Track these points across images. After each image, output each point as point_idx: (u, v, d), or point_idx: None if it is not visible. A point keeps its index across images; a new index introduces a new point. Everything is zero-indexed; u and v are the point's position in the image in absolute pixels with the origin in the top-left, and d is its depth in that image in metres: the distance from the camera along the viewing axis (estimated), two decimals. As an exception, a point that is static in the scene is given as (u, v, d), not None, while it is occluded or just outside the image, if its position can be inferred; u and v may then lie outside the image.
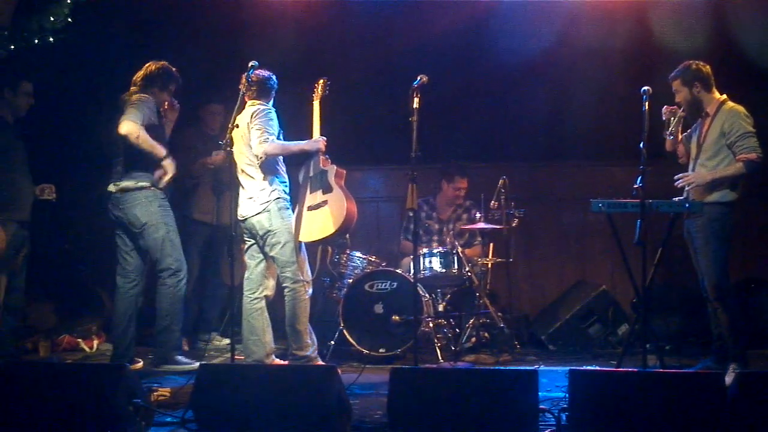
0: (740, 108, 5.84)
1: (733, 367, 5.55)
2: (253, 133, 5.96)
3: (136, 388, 4.68)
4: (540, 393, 4.46)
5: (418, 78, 5.64)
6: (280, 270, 6.10)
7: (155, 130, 6.05)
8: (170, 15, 7.73)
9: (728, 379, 4.58)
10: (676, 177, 5.80)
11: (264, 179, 6.06)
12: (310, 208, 6.08)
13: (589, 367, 6.15)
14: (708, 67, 5.89)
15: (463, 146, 7.98)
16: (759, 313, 6.96)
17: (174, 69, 6.28)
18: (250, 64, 5.77)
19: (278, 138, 5.99)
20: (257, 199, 6.06)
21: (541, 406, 4.55)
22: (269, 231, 6.05)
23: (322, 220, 6.05)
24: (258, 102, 6.05)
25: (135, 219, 6.08)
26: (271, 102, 6.13)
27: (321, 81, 6.32)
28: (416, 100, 5.55)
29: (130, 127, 5.84)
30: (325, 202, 6.07)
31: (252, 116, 5.97)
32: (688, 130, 6.04)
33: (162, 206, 6.14)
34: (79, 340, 7.30)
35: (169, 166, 6.07)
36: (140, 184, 6.08)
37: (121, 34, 7.81)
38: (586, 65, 7.69)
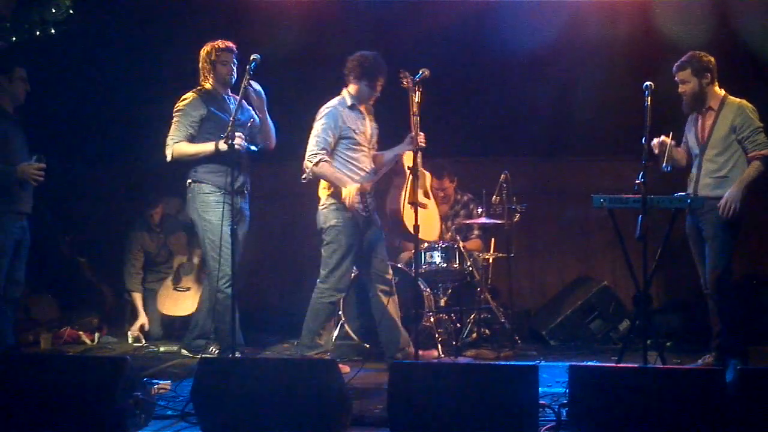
0: (747, 103, 5.82)
1: (734, 364, 5.54)
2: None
3: (136, 382, 4.68)
4: (540, 388, 4.45)
5: (420, 72, 5.63)
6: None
7: None
8: (172, 7, 7.72)
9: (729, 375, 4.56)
10: (720, 209, 5.66)
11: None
12: (412, 204, 5.79)
13: (589, 363, 6.15)
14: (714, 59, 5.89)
15: (465, 141, 7.98)
16: (762, 311, 6.95)
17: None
18: (252, 57, 5.75)
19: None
20: (321, 197, 6.11)
21: (541, 402, 4.55)
22: (321, 228, 6.07)
23: (428, 222, 6.17)
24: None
25: None
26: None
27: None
28: (417, 94, 5.54)
29: None
30: (425, 206, 6.15)
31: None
32: (684, 136, 6.03)
33: None
34: (81, 332, 7.32)
35: None
36: None
37: (123, 26, 7.81)
38: (589, 60, 7.67)
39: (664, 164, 5.72)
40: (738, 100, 5.83)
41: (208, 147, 6.04)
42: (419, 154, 5.81)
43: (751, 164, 5.71)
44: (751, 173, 5.69)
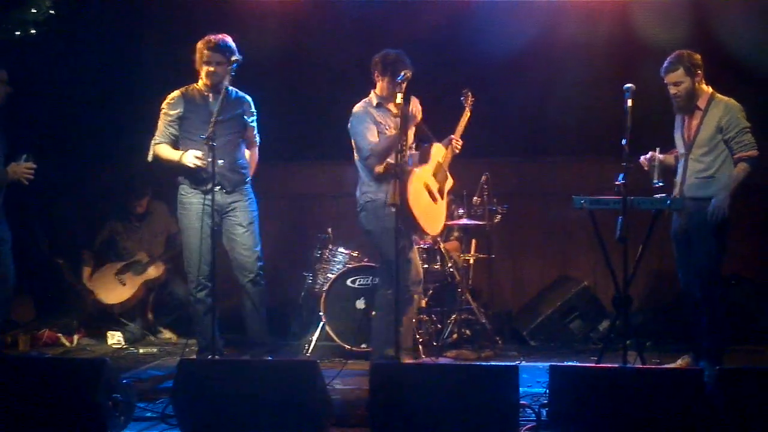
0: (734, 102, 5.77)
1: (704, 366, 5.52)
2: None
3: (116, 383, 4.66)
4: (521, 388, 4.46)
5: (402, 73, 5.63)
6: None
7: None
8: (155, 7, 7.70)
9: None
10: (708, 216, 5.66)
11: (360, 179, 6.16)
12: (430, 193, 6.08)
13: (569, 363, 6.17)
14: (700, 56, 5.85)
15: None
16: (739, 310, 6.98)
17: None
18: (233, 58, 5.74)
19: None
20: (358, 198, 6.16)
21: (521, 402, 4.57)
22: (367, 231, 6.09)
23: (435, 216, 6.17)
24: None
25: None
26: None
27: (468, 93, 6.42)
28: (400, 95, 5.53)
29: None
30: (435, 200, 6.15)
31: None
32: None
33: None
34: (60, 334, 7.28)
35: None
36: None
37: (106, 27, 7.78)
38: (571, 61, 7.68)
39: (654, 179, 5.71)
40: (725, 98, 5.78)
41: (174, 156, 5.93)
42: (410, 153, 5.97)
43: (737, 166, 5.66)
44: (738, 176, 5.64)
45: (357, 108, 6.05)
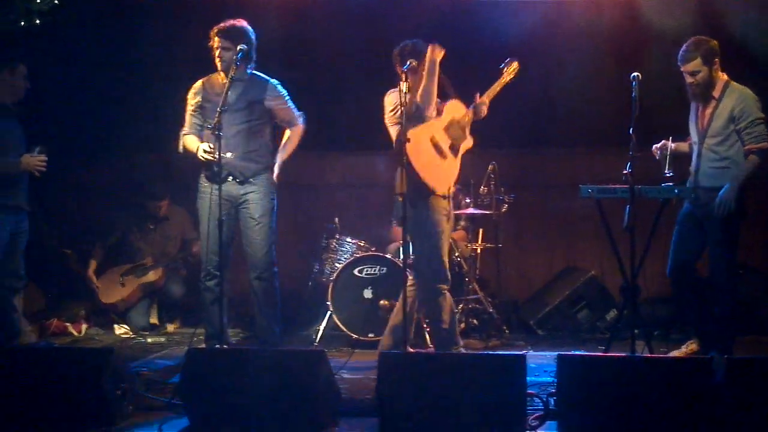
0: (749, 91, 5.66)
1: (714, 355, 5.51)
2: None
3: (124, 372, 4.68)
4: (528, 378, 4.46)
5: (408, 62, 5.61)
6: None
7: None
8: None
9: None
10: (715, 209, 5.59)
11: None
12: (437, 147, 5.81)
13: (577, 353, 6.16)
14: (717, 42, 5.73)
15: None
16: (747, 299, 6.97)
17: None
18: (239, 47, 5.72)
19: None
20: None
21: (529, 391, 4.57)
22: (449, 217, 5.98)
23: (443, 172, 5.86)
24: None
25: None
26: None
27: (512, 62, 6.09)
28: (405, 84, 5.50)
29: None
30: (444, 157, 5.85)
31: None
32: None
33: None
34: (68, 324, 7.29)
35: None
36: None
37: (109, 18, 7.77)
38: (575, 50, 7.67)
39: (666, 170, 5.65)
40: (740, 87, 5.68)
41: (192, 148, 5.89)
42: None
43: (747, 158, 5.56)
44: (748, 168, 5.56)
45: (387, 97, 5.93)
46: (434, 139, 5.79)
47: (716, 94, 5.69)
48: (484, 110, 5.90)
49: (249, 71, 5.91)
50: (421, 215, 5.67)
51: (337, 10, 7.84)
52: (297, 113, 6.11)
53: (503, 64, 6.05)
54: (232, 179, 5.89)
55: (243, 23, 5.90)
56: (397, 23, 7.51)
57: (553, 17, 7.58)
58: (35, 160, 5.95)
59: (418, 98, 5.69)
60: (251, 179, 5.94)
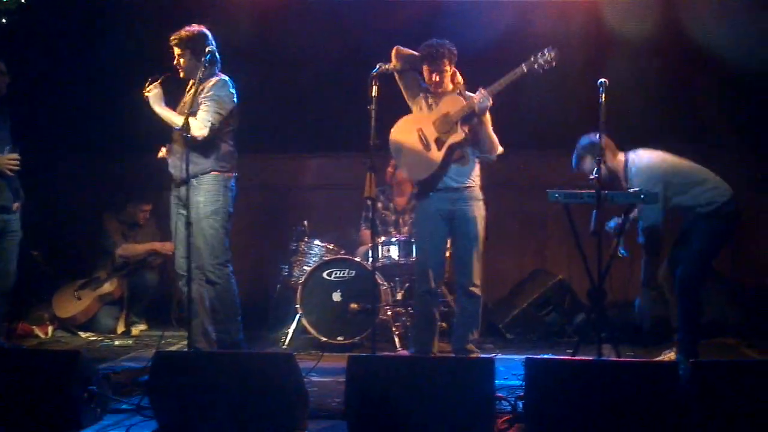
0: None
1: (680, 361, 5.58)
2: None
3: (91, 375, 4.64)
4: (497, 381, 4.50)
5: (377, 66, 5.62)
6: None
7: None
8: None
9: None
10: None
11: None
12: (422, 139, 5.87)
13: (545, 356, 6.20)
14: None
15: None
16: (711, 304, 7.03)
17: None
18: (207, 49, 5.70)
19: None
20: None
21: (497, 394, 4.59)
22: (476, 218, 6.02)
23: (417, 160, 5.91)
24: None
25: None
26: None
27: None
28: (375, 88, 5.52)
29: None
30: (428, 149, 5.87)
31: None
32: None
33: None
34: (34, 327, 7.23)
35: None
36: None
37: (78, 17, 7.72)
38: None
39: (620, 251, 5.91)
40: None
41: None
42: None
43: None
44: None
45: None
46: (421, 130, 5.85)
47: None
48: (484, 103, 5.78)
49: (216, 73, 5.87)
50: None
51: (309, 12, 7.83)
52: (206, 119, 5.71)
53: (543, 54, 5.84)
54: (179, 181, 5.85)
55: (190, 29, 5.84)
56: (368, 26, 7.53)
57: (520, 24, 7.62)
58: (4, 160, 5.98)
59: (483, 148, 5.93)
60: (192, 182, 5.72)
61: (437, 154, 5.83)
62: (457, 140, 5.82)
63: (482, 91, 5.75)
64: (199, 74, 5.65)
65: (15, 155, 6.02)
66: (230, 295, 5.87)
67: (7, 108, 6.29)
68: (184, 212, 5.67)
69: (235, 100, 5.87)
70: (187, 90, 5.93)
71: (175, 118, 5.71)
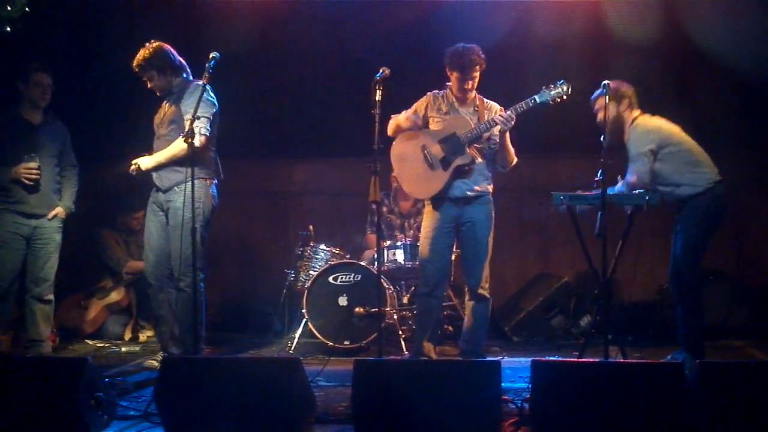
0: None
1: (684, 360, 5.57)
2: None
3: (98, 382, 4.65)
4: (503, 384, 4.50)
5: (381, 71, 5.61)
6: None
7: None
8: (127, 7, 7.67)
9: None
10: None
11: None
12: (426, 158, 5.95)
13: (551, 358, 6.20)
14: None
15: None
16: (717, 305, 7.03)
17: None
18: (211, 55, 5.70)
19: None
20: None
21: (504, 397, 4.59)
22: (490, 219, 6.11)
23: (419, 179, 6.01)
24: None
25: None
26: None
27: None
28: (378, 92, 5.52)
29: None
30: (431, 167, 5.96)
31: None
32: None
33: None
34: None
35: None
36: None
37: (80, 26, 7.73)
38: (543, 59, 7.69)
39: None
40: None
41: None
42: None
43: None
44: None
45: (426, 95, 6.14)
46: (425, 148, 5.93)
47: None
48: (507, 125, 5.92)
49: (189, 80, 6.00)
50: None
51: (311, 17, 7.83)
52: (204, 126, 5.81)
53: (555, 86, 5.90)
54: (157, 188, 5.97)
55: (146, 51, 5.95)
56: (361, 30, 7.53)
57: (520, 26, 7.61)
58: (21, 169, 6.08)
59: (501, 163, 6.08)
60: (172, 187, 5.88)
61: (443, 175, 5.91)
62: (465, 162, 5.91)
63: (509, 114, 5.88)
64: (174, 86, 5.90)
65: (33, 164, 6.09)
66: (194, 305, 5.56)
67: (60, 121, 6.44)
68: (161, 216, 5.85)
69: (215, 104, 5.95)
70: (164, 103, 6.05)
71: (169, 150, 5.86)
